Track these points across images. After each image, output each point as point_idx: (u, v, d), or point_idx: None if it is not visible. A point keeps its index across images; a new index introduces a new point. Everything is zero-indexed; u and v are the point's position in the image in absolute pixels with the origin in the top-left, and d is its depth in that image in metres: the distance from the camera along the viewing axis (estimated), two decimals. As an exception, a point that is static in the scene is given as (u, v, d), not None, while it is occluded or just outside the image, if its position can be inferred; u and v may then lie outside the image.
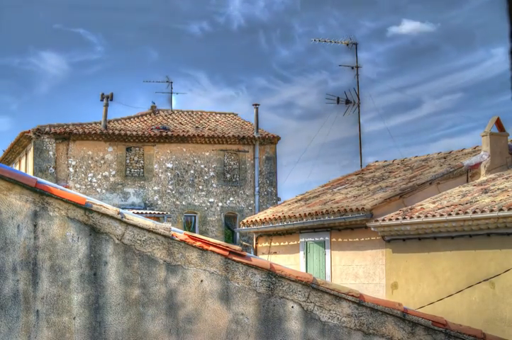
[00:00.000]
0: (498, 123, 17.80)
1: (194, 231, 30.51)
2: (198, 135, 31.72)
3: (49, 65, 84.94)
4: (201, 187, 31.69)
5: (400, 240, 15.69)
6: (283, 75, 78.87)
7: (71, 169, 30.54)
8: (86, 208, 6.13)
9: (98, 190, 30.63)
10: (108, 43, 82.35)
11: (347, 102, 29.59)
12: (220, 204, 31.77)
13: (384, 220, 15.70)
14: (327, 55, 75.82)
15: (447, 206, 14.99)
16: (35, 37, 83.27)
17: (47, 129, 30.30)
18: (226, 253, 6.27)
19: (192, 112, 35.17)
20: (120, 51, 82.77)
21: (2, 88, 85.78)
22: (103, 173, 30.82)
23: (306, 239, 18.42)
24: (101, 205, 6.18)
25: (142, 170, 31.27)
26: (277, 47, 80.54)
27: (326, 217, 17.39)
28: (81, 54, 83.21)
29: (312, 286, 6.31)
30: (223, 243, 6.36)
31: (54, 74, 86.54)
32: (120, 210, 6.25)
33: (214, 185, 31.83)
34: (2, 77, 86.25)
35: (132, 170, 31.22)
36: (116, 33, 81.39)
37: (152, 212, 29.97)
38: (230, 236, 31.88)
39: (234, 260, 6.27)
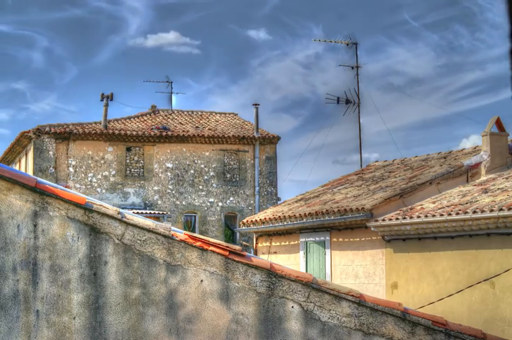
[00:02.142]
0: (498, 123, 17.80)
1: (194, 231, 30.51)
2: (198, 135, 31.72)
3: (125, 11, 72.37)
4: (201, 187, 31.69)
5: (400, 240, 15.69)
6: (408, 30, 68.07)
7: (71, 169, 30.54)
8: (86, 208, 6.13)
9: (98, 190, 30.63)
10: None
11: (347, 102, 29.60)
12: (220, 204, 31.77)
13: (384, 220, 15.70)
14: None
15: (447, 206, 14.99)
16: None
17: (47, 129, 30.30)
18: (226, 253, 6.27)
19: (192, 112, 35.17)
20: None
21: (59, 51, 74.89)
22: (103, 173, 30.82)
23: (306, 239, 18.42)
24: (101, 205, 6.18)
25: (142, 170, 31.27)
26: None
27: (326, 217, 17.39)
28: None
29: (312, 286, 6.31)
30: (223, 243, 6.36)
31: (131, 28, 73.46)
32: (120, 210, 6.25)
33: (214, 185, 31.83)
34: (63, 34, 74.47)
35: (132, 170, 31.22)
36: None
37: (152, 212, 29.96)
38: (230, 236, 31.88)
39: (234, 260, 6.27)
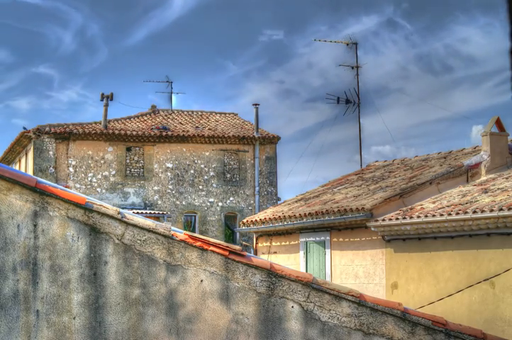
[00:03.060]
0: (498, 123, 17.80)
1: (194, 231, 30.51)
2: (198, 135, 31.73)
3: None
4: (201, 187, 31.69)
5: (400, 240, 15.68)
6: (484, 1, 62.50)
7: (71, 169, 30.54)
8: (86, 208, 6.13)
9: (98, 190, 30.63)
10: None
11: (347, 102, 29.58)
12: (220, 204, 31.77)
13: (384, 220, 15.70)
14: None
15: (447, 206, 14.99)
16: None
17: (47, 129, 30.30)
18: (226, 253, 6.27)
19: (192, 112, 35.18)
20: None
21: (93, 30, 67.63)
22: (103, 173, 30.82)
23: (306, 239, 18.42)
24: (101, 205, 6.18)
25: (142, 170, 31.27)
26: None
27: (326, 217, 17.39)
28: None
29: (312, 286, 6.31)
30: (223, 243, 6.36)
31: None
32: (120, 210, 6.25)
33: (214, 185, 31.83)
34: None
35: (132, 170, 31.22)
36: None
37: (152, 212, 29.96)
38: (230, 236, 31.88)
39: (234, 260, 6.27)
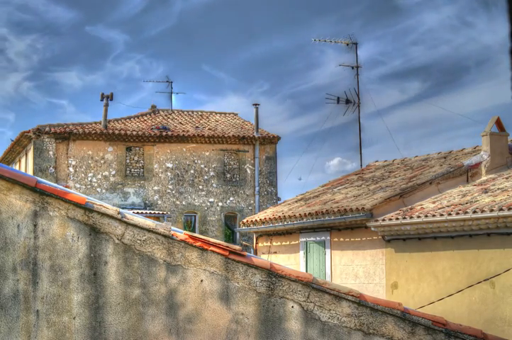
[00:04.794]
0: (498, 123, 17.79)
1: (194, 231, 30.50)
2: (198, 135, 31.72)
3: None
4: (201, 187, 31.69)
5: (400, 240, 15.68)
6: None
7: (71, 169, 30.54)
8: (86, 208, 6.13)
9: (98, 190, 30.62)
10: None
11: (347, 102, 29.56)
12: (220, 204, 31.77)
13: (384, 220, 15.70)
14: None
15: (447, 206, 14.99)
16: None
17: (47, 129, 30.30)
18: (226, 253, 6.27)
19: (192, 112, 35.18)
20: None
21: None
22: (103, 173, 30.81)
23: (306, 239, 18.42)
24: (101, 205, 6.18)
25: (142, 170, 31.27)
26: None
27: (326, 217, 17.39)
28: None
29: (312, 286, 6.31)
30: (223, 243, 6.35)
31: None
32: (120, 210, 6.25)
33: (214, 185, 31.82)
34: None
35: (132, 170, 31.22)
36: None
37: (152, 212, 29.96)
38: (230, 236, 31.88)
39: (234, 260, 6.27)
